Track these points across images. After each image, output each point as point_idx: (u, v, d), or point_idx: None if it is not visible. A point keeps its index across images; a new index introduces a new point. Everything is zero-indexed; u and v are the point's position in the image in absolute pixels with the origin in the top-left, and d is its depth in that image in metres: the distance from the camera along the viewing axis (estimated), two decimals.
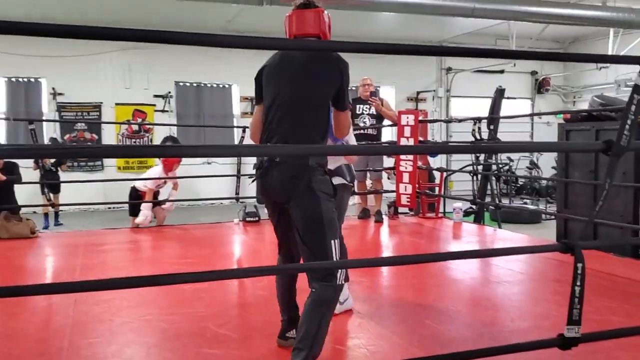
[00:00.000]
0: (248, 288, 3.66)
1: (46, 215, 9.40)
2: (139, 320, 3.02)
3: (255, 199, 8.12)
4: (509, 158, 12.87)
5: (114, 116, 11.66)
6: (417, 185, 6.44)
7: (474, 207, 6.89)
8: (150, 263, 4.64)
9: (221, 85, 12.48)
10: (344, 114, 2.46)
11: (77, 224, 9.27)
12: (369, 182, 6.83)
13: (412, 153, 6.06)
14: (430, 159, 7.51)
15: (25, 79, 11.23)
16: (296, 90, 2.34)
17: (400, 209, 6.72)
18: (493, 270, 4.18)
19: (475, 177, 6.79)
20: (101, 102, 11.67)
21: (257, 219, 6.28)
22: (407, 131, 6.17)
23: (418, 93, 14.05)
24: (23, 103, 11.21)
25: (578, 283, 1.77)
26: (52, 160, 8.83)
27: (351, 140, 3.04)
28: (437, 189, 7.03)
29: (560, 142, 5.74)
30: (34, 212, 9.12)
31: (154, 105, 12.05)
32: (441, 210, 6.89)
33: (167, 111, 12.14)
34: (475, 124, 6.13)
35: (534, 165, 13.21)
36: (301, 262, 2.42)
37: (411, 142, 6.12)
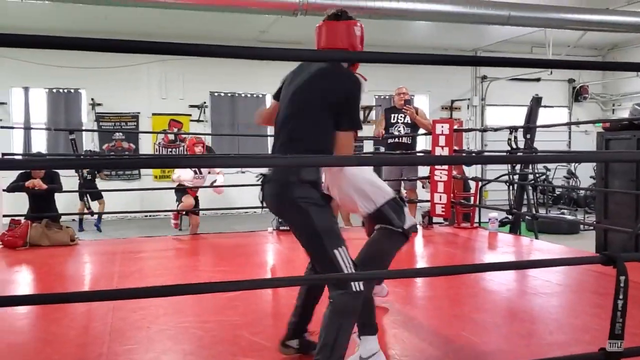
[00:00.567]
0: (283, 297, 3.67)
1: (81, 221, 9.63)
2: (175, 328, 3.06)
3: None
4: (545, 167, 12.62)
5: (150, 126, 11.90)
6: (452, 195, 6.37)
7: (510, 217, 6.77)
8: (186, 271, 4.70)
9: (255, 95, 12.61)
10: (344, 134, 2.28)
11: (114, 232, 9.47)
12: (403, 192, 6.79)
13: (447, 163, 6.00)
14: (465, 168, 7.43)
15: (66, 90, 11.55)
16: (296, 102, 2.34)
17: (435, 219, 6.65)
18: (530, 281, 4.10)
19: (511, 187, 6.67)
20: (138, 112, 11.93)
21: None
22: (441, 140, 6.12)
23: (452, 102, 13.93)
24: (63, 113, 11.54)
25: (621, 296, 1.72)
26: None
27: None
28: (472, 198, 6.94)
29: (603, 152, 5.62)
30: (73, 220, 9.36)
31: (190, 115, 12.26)
32: (476, 220, 6.79)
33: (202, 121, 12.33)
34: (511, 133, 6.03)
35: (571, 174, 12.92)
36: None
37: (446, 151, 6.06)
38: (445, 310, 3.47)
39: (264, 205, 2.39)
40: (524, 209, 6.94)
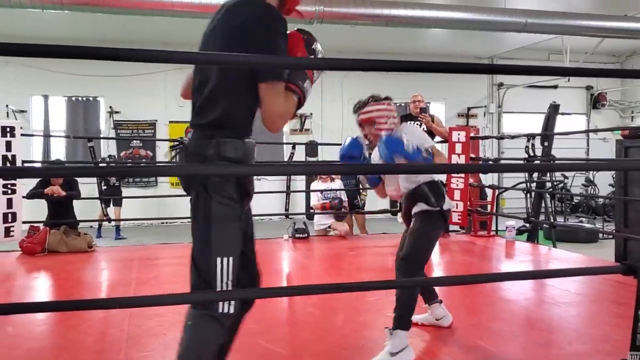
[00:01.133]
0: (298, 304, 3.67)
1: (99, 227, 9.78)
2: None
3: (304, 216, 8.19)
4: (563, 175, 12.50)
5: (167, 133, 12.00)
6: (468, 203, 6.33)
7: (527, 225, 6.71)
8: None
9: None
10: (266, 90, 1.74)
11: (131, 239, 9.54)
12: None
13: (464, 172, 5.96)
14: (482, 176, 7.38)
15: (84, 98, 11.70)
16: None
17: (451, 227, 6.61)
18: (548, 290, 4.05)
19: (528, 195, 6.61)
20: (155, 120, 12.04)
21: (306, 235, 6.30)
22: (458, 148, 6.09)
23: (469, 109, 13.87)
24: (82, 121, 11.69)
25: None
26: None
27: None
28: (489, 206, 6.88)
29: (622, 160, 5.54)
30: (91, 227, 9.46)
31: None
32: (493, 228, 6.74)
33: None
34: (528, 140, 5.99)
35: (590, 182, 12.78)
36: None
37: (462, 159, 6.03)
38: (462, 319, 3.44)
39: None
40: (542, 217, 6.88)
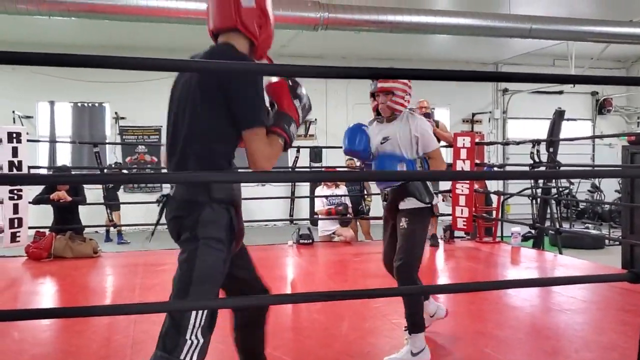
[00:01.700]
0: (302, 310, 3.67)
1: (107, 231, 9.83)
2: None
3: (308, 221, 8.17)
4: (569, 181, 12.45)
5: None
6: (473, 209, 6.32)
7: (533, 231, 6.68)
8: None
9: None
10: (248, 137, 1.76)
11: (136, 244, 9.55)
12: None
13: (469, 179, 5.94)
14: (487, 182, 7.36)
15: (90, 104, 11.75)
16: (181, 108, 1.91)
17: (457, 233, 6.60)
18: (554, 297, 4.03)
19: (534, 201, 6.59)
20: (161, 126, 12.05)
21: (310, 241, 6.30)
22: (463, 153, 6.08)
23: (473, 114, 13.85)
24: (87, 127, 11.73)
25: None
26: None
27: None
28: (494, 212, 6.87)
29: (628, 167, 5.52)
30: (96, 232, 9.48)
31: None
32: (498, 234, 6.72)
33: None
34: (534, 146, 5.98)
35: (596, 188, 12.72)
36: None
37: (467, 164, 6.02)
38: (467, 327, 3.43)
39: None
40: (547, 223, 6.85)
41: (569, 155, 8.43)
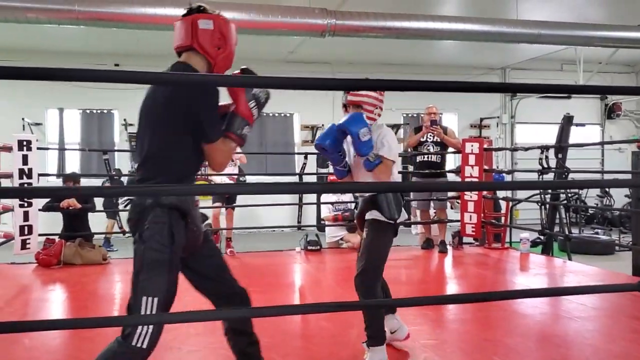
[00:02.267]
0: (311, 318, 3.66)
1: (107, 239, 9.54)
2: (205, 349, 3.07)
3: (316, 228, 8.18)
4: None
5: None
6: (482, 215, 6.30)
7: (542, 237, 6.65)
8: None
9: (283, 115, 12.73)
10: (209, 148, 2.04)
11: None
12: (432, 212, 6.74)
13: (476, 189, 5.91)
14: None
15: (99, 111, 11.82)
16: (143, 122, 2.13)
17: (465, 239, 6.58)
18: (564, 304, 4.01)
19: (543, 207, 6.56)
20: None
21: (318, 247, 6.30)
22: (471, 159, 6.07)
23: (481, 120, 13.81)
24: (96, 134, 11.80)
25: None
26: None
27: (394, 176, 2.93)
28: (502, 218, 6.84)
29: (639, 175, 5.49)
30: (106, 239, 9.49)
31: None
32: (507, 240, 6.69)
33: None
34: (542, 152, 5.95)
35: (605, 193, 12.65)
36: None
37: (476, 170, 6.01)
38: (475, 334, 3.42)
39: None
40: (556, 229, 6.81)
41: (578, 160, 8.39)
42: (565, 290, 3.67)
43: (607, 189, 12.62)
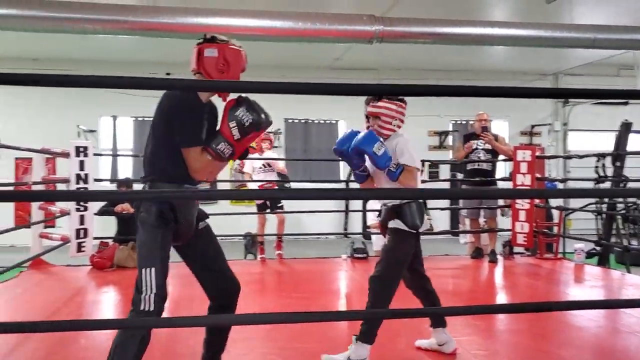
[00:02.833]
0: (358, 323, 3.63)
1: None
2: (253, 353, 3.09)
3: (362, 235, 8.13)
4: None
5: None
6: (534, 224, 6.12)
7: (597, 248, 6.41)
8: (262, 296, 4.75)
9: (328, 122, 12.76)
10: (185, 152, 2.37)
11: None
12: (482, 220, 6.60)
13: (529, 197, 5.75)
14: None
15: (150, 118, 12.10)
16: (149, 133, 2.51)
17: (516, 249, 6.41)
18: (623, 318, 3.84)
19: (599, 216, 6.33)
20: None
21: (365, 255, 6.26)
22: (523, 167, 5.91)
23: (532, 127, 13.48)
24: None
25: None
26: None
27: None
28: (555, 228, 6.64)
29: None
30: None
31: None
32: (560, 250, 6.49)
33: (276, 147, 12.56)
34: (598, 160, 5.75)
35: None
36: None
37: (527, 179, 5.85)
38: (528, 345, 3.32)
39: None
40: (613, 240, 6.56)
41: (637, 168, 8.06)
42: (626, 303, 3.51)
43: None
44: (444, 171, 11.45)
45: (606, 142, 6.75)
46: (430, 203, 7.67)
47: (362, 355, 2.79)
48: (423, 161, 7.34)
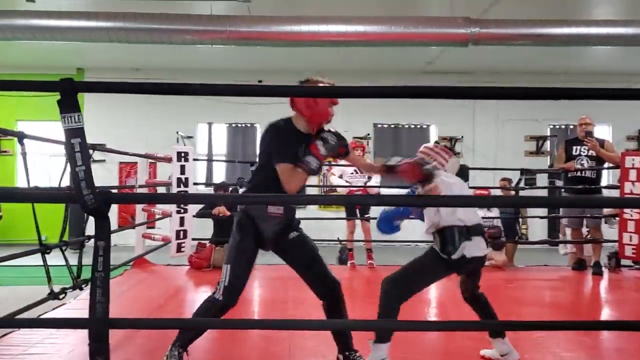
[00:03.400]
0: (457, 336, 3.54)
1: None
2: (315, 356, 3.10)
3: None
4: None
5: None
6: None
7: None
8: (356, 298, 4.74)
9: (419, 126, 12.60)
10: (277, 167, 2.75)
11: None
12: (584, 230, 6.24)
13: (637, 207, 5.37)
14: None
15: (243, 125, 12.55)
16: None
17: (623, 262, 6.00)
18: None
19: None
20: None
21: None
22: (632, 174, 5.53)
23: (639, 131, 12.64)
24: (240, 146, 12.57)
25: None
26: None
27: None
28: None
29: None
30: None
31: None
32: None
33: (366, 152, 12.55)
34: None
35: None
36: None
37: (637, 186, 5.47)
38: None
39: None
40: None
41: None
42: None
43: None
44: (542, 179, 10.94)
45: None
46: (528, 211, 7.37)
47: (381, 356, 2.80)
48: (520, 170, 7.07)
